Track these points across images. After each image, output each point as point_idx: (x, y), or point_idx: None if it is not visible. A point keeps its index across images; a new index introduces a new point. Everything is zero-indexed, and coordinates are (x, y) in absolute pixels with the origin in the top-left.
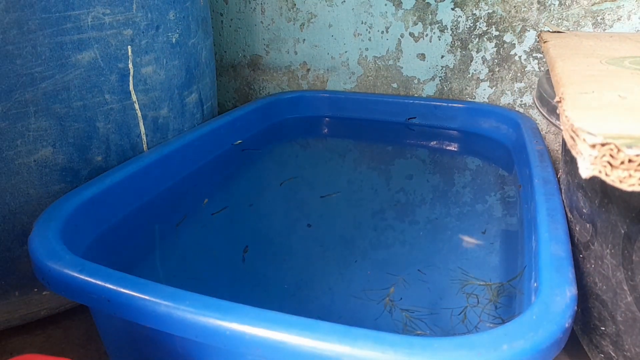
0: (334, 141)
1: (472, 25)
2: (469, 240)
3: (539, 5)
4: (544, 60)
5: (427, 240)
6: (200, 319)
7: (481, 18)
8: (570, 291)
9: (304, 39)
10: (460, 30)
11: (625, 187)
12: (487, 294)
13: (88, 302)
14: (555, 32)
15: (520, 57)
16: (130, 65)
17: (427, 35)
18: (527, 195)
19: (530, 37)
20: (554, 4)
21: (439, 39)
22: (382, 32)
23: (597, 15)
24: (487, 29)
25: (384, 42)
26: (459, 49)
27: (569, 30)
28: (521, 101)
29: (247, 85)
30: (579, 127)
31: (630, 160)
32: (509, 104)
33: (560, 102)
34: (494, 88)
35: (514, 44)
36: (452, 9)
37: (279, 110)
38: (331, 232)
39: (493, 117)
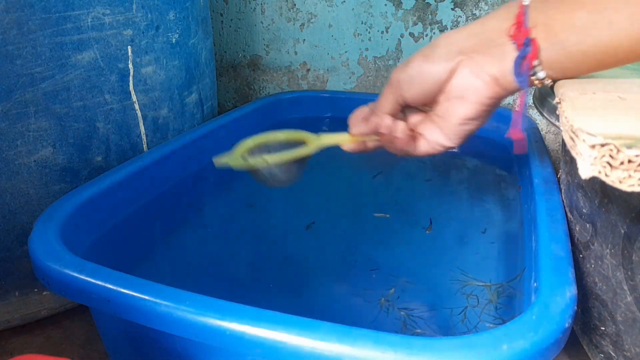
0: None
1: None
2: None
3: None
4: None
5: (427, 240)
6: (200, 319)
7: None
8: (570, 291)
9: (304, 39)
10: None
11: (625, 187)
12: (487, 295)
13: (88, 302)
14: None
15: None
16: (130, 66)
17: (427, 35)
18: (527, 195)
19: None
20: None
21: None
22: (382, 32)
23: None
24: None
25: (384, 43)
26: None
27: None
28: None
29: (247, 85)
30: (579, 128)
31: (629, 161)
32: (509, 104)
33: (560, 102)
34: None
35: None
36: (452, 9)
37: (279, 110)
38: (331, 232)
39: (493, 117)
